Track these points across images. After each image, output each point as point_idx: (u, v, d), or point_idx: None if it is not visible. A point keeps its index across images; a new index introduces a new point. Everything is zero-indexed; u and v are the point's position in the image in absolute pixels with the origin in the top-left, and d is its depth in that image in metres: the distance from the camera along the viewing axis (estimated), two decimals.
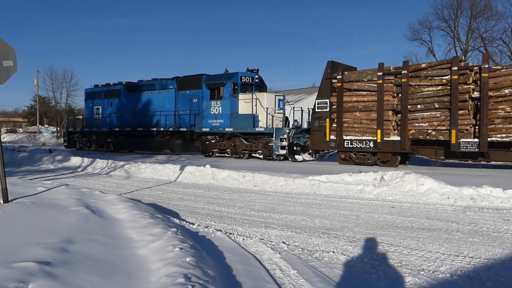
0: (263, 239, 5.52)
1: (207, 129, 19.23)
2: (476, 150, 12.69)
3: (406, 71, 13.68)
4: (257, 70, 19.43)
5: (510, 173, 12.75)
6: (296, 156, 17.67)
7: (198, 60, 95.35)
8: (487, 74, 12.45)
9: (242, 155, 18.70)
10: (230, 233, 5.77)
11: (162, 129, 20.91)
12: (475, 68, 12.87)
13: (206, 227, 5.86)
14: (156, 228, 5.02)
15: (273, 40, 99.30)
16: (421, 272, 4.23)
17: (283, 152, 17.10)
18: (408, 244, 5.32)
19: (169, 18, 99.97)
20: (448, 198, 8.43)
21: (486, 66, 12.62)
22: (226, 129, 18.55)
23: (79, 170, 14.83)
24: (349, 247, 5.14)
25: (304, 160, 17.63)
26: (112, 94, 23.93)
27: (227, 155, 19.37)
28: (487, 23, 37.64)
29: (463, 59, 13.37)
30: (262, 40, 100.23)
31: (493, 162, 13.50)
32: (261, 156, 18.23)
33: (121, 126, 22.85)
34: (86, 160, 15.61)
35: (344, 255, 4.76)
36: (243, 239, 5.36)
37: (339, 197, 9.04)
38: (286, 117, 19.03)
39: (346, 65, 15.65)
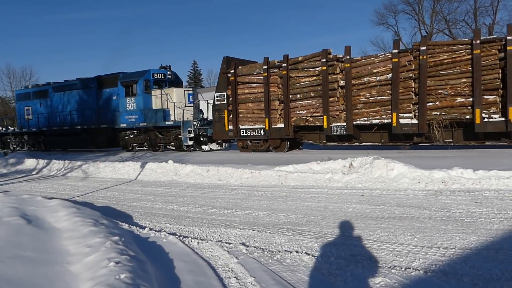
0: (221, 241, 4.99)
1: (125, 125, 20.03)
2: (344, 132, 14.17)
3: (286, 64, 14.96)
4: (169, 66, 20.45)
5: (478, 153, 12.66)
6: (203, 146, 18.87)
7: (168, 53, 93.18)
8: (348, 65, 13.80)
9: (158, 148, 19.71)
10: (185, 236, 5.21)
11: (85, 126, 21.48)
12: (342, 59, 14.12)
13: (159, 231, 5.27)
14: (96, 237, 4.41)
15: (240, 29, 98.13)
16: (392, 270, 3.79)
17: (191, 143, 18.32)
18: (379, 236, 4.90)
19: (140, 11, 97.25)
20: (419, 182, 8.11)
21: (348, 57, 13.82)
22: (141, 124, 19.47)
23: (34, 172, 13.90)
24: (314, 245, 4.66)
25: (211, 150, 18.75)
26: (40, 94, 24.23)
27: (145, 148, 20.19)
28: (450, 5, 38.04)
29: (331, 51, 14.51)
30: (228, 31, 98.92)
31: (461, 143, 13.55)
32: (174, 148, 19.41)
33: (49, 125, 23.32)
34: (42, 162, 14.66)
35: (309, 255, 4.28)
36: (198, 242, 4.80)
37: (307, 187, 8.60)
38: (201, 110, 20.10)
39: (241, 59, 17.00)
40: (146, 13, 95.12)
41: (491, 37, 12.42)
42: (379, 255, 4.22)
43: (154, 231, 5.21)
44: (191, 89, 20.26)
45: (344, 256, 4.23)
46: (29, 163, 15.01)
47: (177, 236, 5.04)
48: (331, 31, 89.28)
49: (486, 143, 13.30)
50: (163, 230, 5.63)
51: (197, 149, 18.53)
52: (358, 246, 4.54)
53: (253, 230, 5.42)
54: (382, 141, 14.21)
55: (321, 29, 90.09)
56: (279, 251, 4.46)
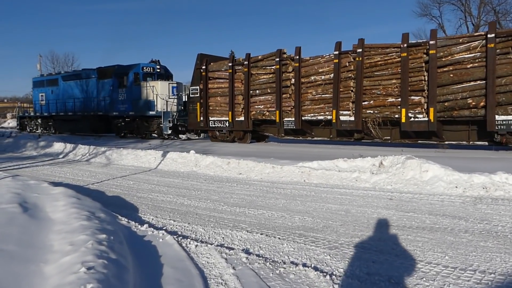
0: (222, 245, 4.48)
1: (117, 113, 21.87)
2: (294, 127, 15.17)
3: (247, 62, 16.11)
4: (158, 61, 22.29)
5: None
6: (180, 135, 20.61)
7: (213, 42, 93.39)
8: (297, 64, 14.75)
9: (144, 135, 21.43)
10: (185, 237, 4.73)
11: (85, 113, 23.45)
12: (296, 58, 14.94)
13: (158, 229, 4.82)
14: (83, 234, 4.00)
15: (272, 20, 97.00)
16: None
17: (170, 131, 20.02)
18: (403, 251, 4.24)
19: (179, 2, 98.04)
20: (456, 187, 7.29)
21: (297, 57, 14.79)
22: (130, 113, 21.27)
23: (61, 156, 13.90)
24: (326, 257, 4.06)
25: (188, 139, 20.41)
26: (52, 82, 26.54)
27: (134, 135, 21.97)
28: None
29: (286, 51, 15.54)
30: (269, 22, 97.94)
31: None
32: (156, 135, 21.19)
33: (57, 111, 25.65)
34: (69, 146, 14.66)
35: (317, 270, 3.69)
36: (197, 245, 4.31)
37: (330, 186, 7.94)
38: (185, 102, 21.03)
39: (213, 55, 18.48)
40: (183, 4, 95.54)
41: (417, 41, 12.97)
42: (400, 276, 3.58)
43: (153, 229, 4.75)
44: (176, 82, 21.39)
45: (359, 275, 3.61)
46: (57, 146, 15.07)
47: (175, 237, 4.57)
48: (371, 23, 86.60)
49: (419, 142, 13.91)
50: (164, 227, 5.18)
51: (175, 138, 20.30)
52: (377, 263, 3.90)
53: (261, 234, 4.87)
54: (331, 136, 15.14)
55: (360, 20, 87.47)
56: (284, 263, 3.89)
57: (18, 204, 5.13)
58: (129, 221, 5.07)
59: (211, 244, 4.40)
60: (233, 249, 4.27)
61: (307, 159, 10.18)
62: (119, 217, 5.20)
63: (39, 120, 27.98)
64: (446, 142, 13.39)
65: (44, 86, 27.13)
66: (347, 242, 4.54)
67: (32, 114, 28.87)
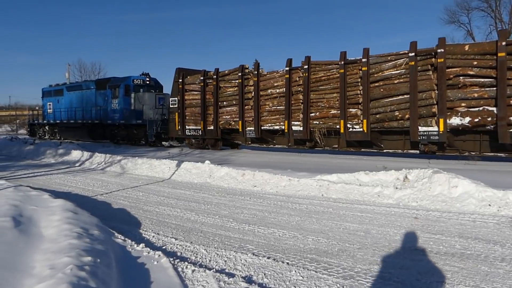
0: (223, 270, 4.01)
1: (111, 121, 23.58)
2: (254, 136, 16.53)
3: (216, 76, 17.78)
4: (148, 74, 24.39)
5: None
6: (163, 142, 22.05)
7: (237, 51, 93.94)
8: (256, 78, 16.19)
9: (134, 142, 23.07)
10: (183, 259, 4.29)
11: (84, 121, 25.42)
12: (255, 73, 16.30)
13: (155, 250, 4.39)
14: (67, 255, 3.62)
15: (310, 29, 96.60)
16: None
17: (154, 139, 21.64)
18: (429, 283, 3.67)
19: (203, 10, 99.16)
20: (490, 205, 6.62)
21: (256, 72, 16.26)
22: (121, 122, 22.96)
23: (77, 164, 13.76)
24: None
25: (171, 146, 21.69)
26: (58, 92, 28.69)
27: (126, 141, 23.52)
28: None
29: (248, 67, 17.05)
30: (299, 30, 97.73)
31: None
32: (144, 142, 22.61)
33: (61, 119, 27.70)
34: (86, 154, 14.52)
35: None
36: (194, 270, 3.86)
37: (350, 202, 7.38)
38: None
39: (190, 69, 19.88)
40: (216, 14, 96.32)
41: (353, 58, 13.72)
42: None
43: (149, 249, 4.33)
44: (163, 94, 23.11)
45: None
46: (75, 154, 14.97)
47: (172, 259, 4.13)
48: (398, 30, 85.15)
49: (370, 150, 14.78)
50: (163, 247, 4.77)
51: (158, 145, 21.84)
52: None
53: (268, 258, 4.38)
54: (289, 144, 16.21)
55: (387, 28, 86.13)
56: None
57: (12, 218, 4.81)
58: (126, 239, 4.67)
59: (210, 270, 3.94)
60: (234, 276, 3.80)
61: (327, 171, 9.65)
62: (116, 234, 4.81)
63: (47, 127, 30.26)
64: (385, 150, 14.50)
65: (52, 96, 29.34)
66: (365, 270, 4.01)
67: (40, 121, 31.42)
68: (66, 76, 54.94)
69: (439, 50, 11.92)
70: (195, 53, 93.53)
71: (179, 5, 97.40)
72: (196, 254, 4.57)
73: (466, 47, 11.85)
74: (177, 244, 4.91)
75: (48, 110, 29.59)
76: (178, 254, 4.56)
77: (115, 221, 6.01)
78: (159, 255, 4.15)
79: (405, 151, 13.84)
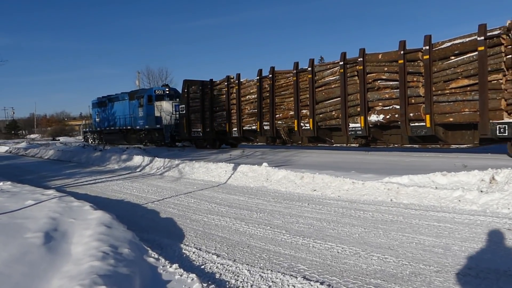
0: None
1: (138, 127, 27.29)
2: (238, 135, 19.53)
3: (210, 86, 20.91)
4: (167, 85, 29.64)
5: None
6: (177, 143, 25.12)
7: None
8: (237, 87, 19.18)
9: (158, 143, 25.94)
10: (220, 284, 3.66)
11: (120, 128, 29.29)
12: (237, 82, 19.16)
13: (190, 271, 3.80)
14: (78, 284, 3.13)
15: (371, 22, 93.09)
16: None
17: (169, 140, 24.75)
18: None
19: (263, 13, 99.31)
20: None
21: (237, 81, 19.20)
22: (146, 127, 26.70)
23: (138, 170, 13.79)
24: None
25: (184, 146, 24.71)
26: (102, 104, 32.47)
27: (151, 143, 26.69)
28: None
29: (233, 77, 19.75)
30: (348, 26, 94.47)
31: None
32: (164, 144, 25.41)
33: (104, 126, 31.94)
34: (146, 159, 14.53)
35: None
36: None
37: (424, 208, 6.35)
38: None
39: (195, 80, 22.72)
40: (274, 14, 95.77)
41: (303, 68, 16.22)
42: None
43: (182, 271, 3.76)
44: (178, 101, 24.81)
45: None
46: (136, 160, 15.07)
47: (206, 285, 3.52)
48: (471, 19, 78.80)
49: (335, 145, 16.88)
50: (202, 266, 4.18)
51: (172, 146, 24.55)
52: None
53: (322, 284, 3.61)
54: (267, 141, 19.08)
55: (460, 17, 79.91)
56: None
57: (44, 233, 4.52)
58: (160, 258, 4.14)
59: None
60: None
61: (396, 171, 8.61)
62: (149, 252, 4.30)
63: (95, 134, 34.23)
64: (334, 145, 16.97)
65: (98, 106, 33.23)
66: None
67: (91, 129, 35.64)
68: (136, 83, 57.55)
69: (359, 59, 14.23)
70: (252, 55, 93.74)
71: (237, 8, 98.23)
72: (237, 276, 3.92)
73: (380, 56, 13.97)
74: (218, 263, 4.30)
75: (96, 119, 33.57)
76: (217, 276, 3.94)
77: (158, 233, 5.56)
78: (193, 279, 3.56)
79: (348, 145, 16.23)
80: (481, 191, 6.53)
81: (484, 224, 5.32)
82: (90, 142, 34.45)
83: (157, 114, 25.81)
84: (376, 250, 4.51)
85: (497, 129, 11.59)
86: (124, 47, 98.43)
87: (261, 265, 4.20)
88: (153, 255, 4.22)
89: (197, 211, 6.93)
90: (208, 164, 11.65)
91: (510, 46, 11.09)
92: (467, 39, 11.94)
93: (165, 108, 25.55)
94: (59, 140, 50.87)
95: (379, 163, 12.24)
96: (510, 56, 11.05)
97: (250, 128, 19.09)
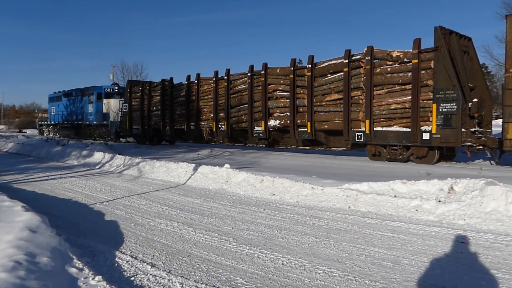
0: None
1: (88, 122, 29.55)
2: (169, 133, 22.11)
3: (148, 87, 23.35)
4: (117, 83, 31.35)
5: None
6: (121, 139, 27.32)
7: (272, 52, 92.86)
8: (170, 90, 21.79)
9: (104, 138, 27.74)
10: None
11: (72, 122, 31.51)
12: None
13: (114, 283, 3.45)
14: None
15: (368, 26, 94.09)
16: None
17: (113, 136, 26.96)
18: None
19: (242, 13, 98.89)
20: None
21: (170, 84, 21.85)
22: (94, 122, 28.79)
23: (97, 167, 13.21)
24: None
25: (127, 142, 26.82)
26: (57, 98, 34.43)
27: (99, 138, 28.35)
28: None
29: (167, 80, 22.34)
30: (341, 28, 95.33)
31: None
32: (110, 138, 27.35)
33: (58, 121, 34.15)
34: (107, 156, 13.93)
35: None
36: None
37: (381, 217, 6.15)
38: None
39: (137, 80, 29.18)
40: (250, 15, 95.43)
41: (221, 76, 18.87)
42: None
43: (104, 284, 3.39)
44: (124, 99, 26.46)
45: None
46: (97, 156, 14.46)
47: None
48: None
49: (249, 145, 19.33)
50: (132, 278, 3.82)
51: (117, 141, 26.31)
52: None
53: None
54: (196, 140, 21.37)
55: (445, 25, 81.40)
56: None
57: None
58: (83, 268, 3.75)
59: None
60: None
61: (359, 177, 8.46)
62: (74, 261, 3.90)
63: (50, 127, 36.56)
64: (248, 145, 19.46)
65: (54, 101, 35.24)
66: None
67: (46, 122, 37.84)
68: (110, 78, 56.31)
69: (262, 72, 16.81)
70: (233, 55, 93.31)
71: (220, 8, 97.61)
72: None
73: (278, 70, 16.58)
74: (150, 274, 3.94)
75: (52, 113, 35.72)
76: None
77: (95, 238, 5.15)
78: None
79: (258, 145, 18.72)
80: (439, 201, 6.39)
81: (439, 236, 5.15)
82: (45, 135, 35.96)
83: (105, 111, 27.98)
84: (323, 262, 4.25)
85: (356, 136, 14.11)
86: (101, 40, 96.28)
87: (197, 277, 3.87)
88: (77, 264, 3.83)
89: (146, 214, 6.54)
90: (169, 163, 11.23)
91: (367, 68, 13.51)
92: (338, 61, 14.54)
93: (113, 106, 27.68)
94: (26, 132, 49.19)
95: (345, 168, 12.11)
96: (365, 77, 13.60)
97: (180, 127, 21.34)
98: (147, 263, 4.24)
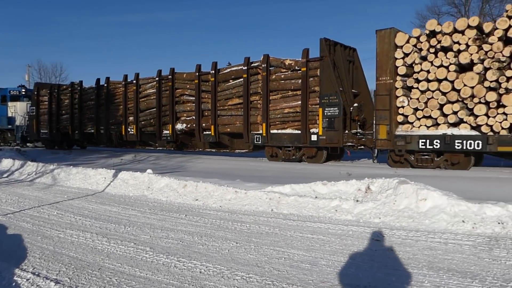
0: None
1: None
2: (79, 138, 22.25)
3: (57, 90, 23.15)
4: (24, 86, 29.85)
5: None
6: (28, 144, 26.26)
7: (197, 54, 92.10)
8: (79, 93, 21.87)
9: (10, 143, 26.64)
10: None
11: None
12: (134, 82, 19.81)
13: None
14: None
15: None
16: None
17: (20, 141, 26.01)
18: None
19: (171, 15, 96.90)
20: (464, 221, 5.61)
21: (79, 88, 21.94)
22: None
23: (5, 175, 12.03)
24: None
25: (35, 147, 25.78)
26: None
27: (3, 144, 27.05)
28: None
29: (77, 83, 22.41)
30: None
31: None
32: (16, 144, 25.95)
33: None
34: (17, 164, 12.82)
35: None
36: None
37: (303, 219, 6.22)
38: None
39: (45, 83, 26.89)
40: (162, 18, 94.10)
41: (131, 80, 19.31)
42: None
43: None
44: (31, 103, 25.69)
45: None
46: (5, 164, 13.22)
47: None
48: (366, 36, 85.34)
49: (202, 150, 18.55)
50: None
51: (23, 147, 25.03)
52: None
53: None
54: (107, 144, 21.57)
55: (356, 34, 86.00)
56: None
57: None
58: None
59: None
60: None
61: (283, 180, 8.57)
62: None
63: None
64: (159, 148, 19.65)
65: None
66: None
67: None
68: (25, 78, 52.42)
69: (169, 76, 17.51)
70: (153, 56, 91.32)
71: (150, 8, 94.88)
72: None
73: (184, 75, 17.40)
74: None
75: None
76: None
77: None
78: None
79: (167, 148, 19.16)
80: (357, 201, 6.61)
81: (355, 235, 5.30)
82: None
83: (10, 114, 26.84)
84: (243, 268, 4.16)
85: (255, 138, 15.14)
86: (15, 38, 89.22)
87: None
88: None
89: (56, 226, 6.04)
90: (87, 170, 10.58)
91: (263, 75, 14.63)
92: (239, 68, 15.55)
93: (19, 109, 26.59)
94: None
95: (272, 170, 12.24)
96: (262, 83, 14.72)
97: (90, 131, 21.36)
98: (51, 280, 3.86)
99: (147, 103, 18.93)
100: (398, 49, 12.01)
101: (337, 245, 4.90)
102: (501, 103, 10.72)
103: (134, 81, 18.99)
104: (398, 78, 12.09)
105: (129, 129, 19.42)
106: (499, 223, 5.44)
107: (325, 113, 13.34)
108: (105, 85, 20.42)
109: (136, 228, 5.86)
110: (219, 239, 5.21)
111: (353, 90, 14.39)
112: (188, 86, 17.39)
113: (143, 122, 18.96)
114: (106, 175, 9.86)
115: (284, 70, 14.53)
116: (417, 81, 11.76)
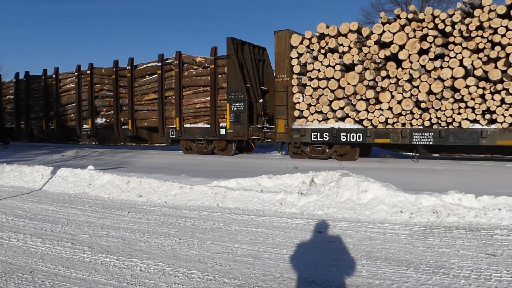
0: None
1: None
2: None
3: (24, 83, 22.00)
4: None
5: (475, 167, 10.52)
6: None
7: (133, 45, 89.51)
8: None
9: None
10: None
11: None
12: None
13: None
14: None
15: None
16: None
17: None
18: None
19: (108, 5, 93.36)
20: (401, 211, 5.84)
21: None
22: None
23: None
24: None
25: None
26: None
27: None
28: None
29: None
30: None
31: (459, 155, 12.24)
32: None
33: None
34: None
35: None
36: None
37: (248, 213, 6.23)
38: None
39: None
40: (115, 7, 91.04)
41: (51, 75, 19.78)
42: None
43: None
44: None
45: None
46: None
47: None
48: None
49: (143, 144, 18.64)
50: None
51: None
52: None
53: None
54: (30, 139, 21.32)
55: (305, 28, 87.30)
56: None
57: None
58: None
59: None
60: None
61: (229, 174, 8.53)
62: None
63: None
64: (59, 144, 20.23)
65: None
66: None
67: None
68: None
69: (88, 72, 18.06)
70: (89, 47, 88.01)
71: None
72: None
73: (103, 70, 17.90)
74: None
75: None
76: None
77: None
78: None
79: (89, 143, 19.54)
80: (301, 194, 6.71)
81: (299, 228, 5.37)
82: None
83: None
84: (185, 264, 4.08)
85: (170, 132, 16.01)
86: None
87: None
88: None
89: None
90: (23, 167, 9.99)
91: (176, 72, 15.42)
92: (154, 64, 16.20)
93: None
94: None
95: (219, 165, 12.19)
96: (175, 79, 15.53)
97: (10, 126, 21.49)
98: None
99: (67, 97, 19.35)
100: (293, 49, 12.91)
101: (281, 238, 4.94)
102: (379, 100, 11.91)
103: (54, 76, 19.39)
104: (294, 76, 13.09)
105: (50, 124, 19.84)
106: (433, 212, 5.73)
107: (232, 108, 14.28)
108: (25, 79, 20.53)
109: (74, 227, 5.60)
110: (162, 236, 5.09)
111: (262, 87, 15.42)
112: (106, 81, 17.93)
113: (63, 117, 19.49)
114: (44, 173, 9.36)
115: (196, 67, 15.32)
116: (310, 79, 12.94)
